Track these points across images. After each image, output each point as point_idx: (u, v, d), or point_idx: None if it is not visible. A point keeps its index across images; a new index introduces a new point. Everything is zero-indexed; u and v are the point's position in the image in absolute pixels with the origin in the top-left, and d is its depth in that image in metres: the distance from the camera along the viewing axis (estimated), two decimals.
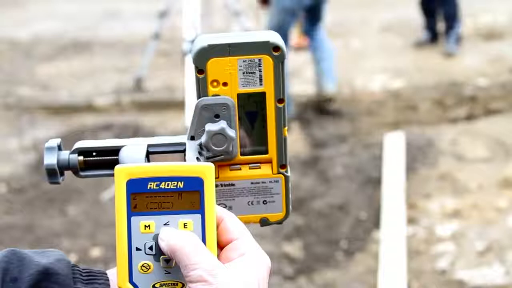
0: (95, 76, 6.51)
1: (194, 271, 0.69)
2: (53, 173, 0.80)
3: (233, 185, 0.84)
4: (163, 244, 0.72)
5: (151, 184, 0.73)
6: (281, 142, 0.83)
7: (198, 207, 0.73)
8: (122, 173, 0.74)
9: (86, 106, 5.74)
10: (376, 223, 3.68)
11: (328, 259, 3.47)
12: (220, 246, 0.75)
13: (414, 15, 7.32)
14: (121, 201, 0.74)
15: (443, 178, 4.08)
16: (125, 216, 0.74)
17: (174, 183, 0.73)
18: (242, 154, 0.83)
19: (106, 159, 0.81)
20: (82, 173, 0.81)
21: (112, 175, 0.80)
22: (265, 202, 0.85)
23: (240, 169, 0.83)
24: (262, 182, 0.84)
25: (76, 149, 0.81)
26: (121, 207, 0.74)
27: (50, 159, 0.80)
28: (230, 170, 0.83)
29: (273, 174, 0.84)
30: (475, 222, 3.62)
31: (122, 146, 0.81)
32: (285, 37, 5.21)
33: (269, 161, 0.83)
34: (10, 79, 6.57)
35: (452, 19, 6.71)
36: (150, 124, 5.25)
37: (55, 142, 0.81)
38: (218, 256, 0.74)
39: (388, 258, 3.31)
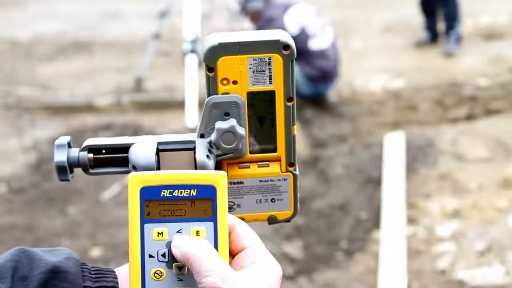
0: (95, 76, 6.51)
1: (207, 278, 0.69)
2: (63, 170, 0.80)
3: (242, 183, 0.84)
4: (176, 251, 0.73)
5: (164, 192, 0.74)
6: (290, 141, 0.83)
7: (210, 215, 0.74)
8: (136, 180, 0.74)
9: (86, 106, 5.74)
10: (376, 223, 3.69)
11: (328, 259, 3.48)
12: (232, 254, 0.75)
13: (414, 15, 7.32)
14: (134, 208, 0.74)
15: (443, 178, 4.09)
16: (138, 223, 0.74)
17: (187, 191, 0.74)
18: (251, 152, 0.83)
19: (116, 157, 0.81)
20: (91, 171, 0.82)
21: (122, 172, 0.81)
22: (273, 200, 0.85)
23: (249, 167, 0.84)
24: (271, 180, 0.84)
25: (86, 146, 0.81)
26: (135, 214, 0.74)
27: (61, 156, 0.80)
28: (239, 168, 0.83)
29: (281, 172, 0.84)
30: (475, 222, 3.63)
31: (132, 144, 0.81)
32: None
33: (278, 159, 0.84)
34: (10, 79, 6.57)
35: (452, 19, 6.72)
36: (150, 124, 5.25)
37: (65, 139, 0.81)
38: (230, 264, 0.74)
39: (388, 258, 3.31)
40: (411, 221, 3.66)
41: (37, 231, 3.79)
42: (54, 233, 3.77)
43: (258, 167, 0.84)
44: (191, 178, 0.74)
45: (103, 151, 0.81)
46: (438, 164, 4.26)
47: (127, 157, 0.80)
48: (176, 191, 0.74)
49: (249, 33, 0.80)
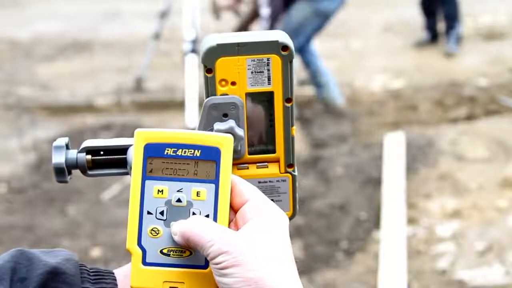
0: (95, 76, 6.51)
1: (211, 248, 0.70)
2: (61, 172, 0.80)
3: None
4: (176, 238, 0.73)
5: (168, 150, 0.74)
6: (289, 142, 0.83)
7: (213, 177, 0.74)
8: (141, 136, 0.75)
9: (86, 106, 5.74)
10: (376, 223, 3.68)
11: (328, 259, 3.47)
12: (235, 210, 0.76)
13: (414, 15, 7.32)
14: (137, 164, 0.74)
15: (443, 178, 4.08)
16: (140, 179, 0.74)
17: (191, 151, 0.74)
18: (249, 153, 0.83)
19: (114, 158, 0.81)
20: (90, 172, 0.81)
21: (120, 174, 0.80)
22: (272, 201, 0.85)
23: (248, 168, 0.83)
24: (270, 181, 0.84)
25: (84, 148, 0.81)
26: (137, 170, 0.74)
27: (58, 158, 0.80)
28: (238, 169, 0.83)
29: (280, 173, 0.84)
30: (475, 222, 3.63)
31: (130, 145, 0.81)
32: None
33: (277, 161, 0.84)
34: (10, 79, 6.57)
35: (452, 19, 6.71)
36: (150, 124, 5.24)
37: (63, 141, 0.81)
38: (234, 219, 0.75)
39: (388, 258, 3.31)
40: (411, 221, 3.66)
41: (37, 231, 3.79)
42: (54, 233, 3.77)
43: (257, 168, 0.83)
44: (196, 139, 0.74)
45: (101, 152, 0.81)
46: (438, 164, 4.26)
47: (125, 158, 0.80)
48: (180, 150, 0.74)
49: (247, 34, 0.80)
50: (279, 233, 0.73)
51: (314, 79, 5.46)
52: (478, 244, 3.42)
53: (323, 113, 5.37)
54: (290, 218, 0.87)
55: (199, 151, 0.74)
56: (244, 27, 5.47)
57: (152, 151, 0.74)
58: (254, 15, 5.51)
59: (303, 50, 5.34)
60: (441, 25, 6.95)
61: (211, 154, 0.74)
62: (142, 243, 0.74)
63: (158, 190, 0.74)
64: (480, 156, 4.33)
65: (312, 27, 5.28)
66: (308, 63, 5.43)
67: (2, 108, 5.78)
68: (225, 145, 0.75)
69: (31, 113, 5.64)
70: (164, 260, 0.74)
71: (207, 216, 0.74)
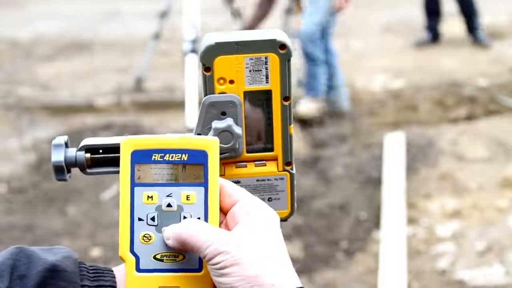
0: (95, 76, 6.51)
1: (208, 248, 0.71)
2: (60, 170, 0.80)
3: (238, 182, 0.84)
4: (170, 242, 0.74)
5: (155, 156, 0.75)
6: (287, 140, 0.83)
7: (201, 180, 0.75)
8: (128, 144, 0.75)
9: (86, 106, 5.74)
10: (376, 223, 3.69)
11: (328, 259, 3.48)
12: (224, 211, 0.76)
13: (415, 15, 7.32)
14: (125, 172, 0.75)
15: (443, 178, 4.09)
16: (128, 186, 0.75)
17: (178, 156, 0.75)
18: (248, 152, 0.83)
19: (113, 156, 0.81)
20: (89, 170, 0.81)
21: (119, 172, 0.81)
22: (270, 200, 0.85)
23: (246, 166, 0.83)
24: (267, 180, 0.84)
25: (83, 146, 0.81)
26: (125, 177, 0.75)
27: (58, 156, 0.80)
28: (236, 167, 0.83)
29: (278, 171, 0.84)
30: (475, 222, 3.63)
31: None
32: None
33: (275, 159, 0.84)
34: (10, 79, 6.57)
35: (473, 19, 6.77)
36: (150, 124, 5.25)
37: (62, 139, 0.81)
38: (224, 221, 0.76)
39: (388, 258, 3.31)
40: (411, 221, 3.66)
41: (37, 231, 3.79)
42: (54, 233, 3.77)
43: (255, 166, 0.84)
44: (183, 143, 0.75)
45: (100, 150, 0.81)
46: (438, 164, 4.26)
47: None
48: (168, 155, 0.74)
49: (245, 33, 0.80)
50: (272, 231, 0.74)
51: (328, 80, 5.41)
52: (478, 244, 3.42)
53: (323, 113, 5.36)
54: (288, 216, 0.87)
55: (186, 155, 0.75)
56: (249, 27, 5.47)
57: (140, 157, 0.74)
58: (261, 16, 5.51)
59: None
60: (442, 26, 6.96)
61: (199, 158, 0.75)
62: (135, 250, 0.75)
63: (148, 196, 0.75)
64: (480, 156, 4.33)
65: (330, 24, 5.28)
66: (326, 63, 5.38)
67: (2, 108, 5.78)
68: (212, 147, 0.75)
69: (31, 113, 5.64)
70: (157, 265, 0.75)
71: (198, 219, 0.75)
